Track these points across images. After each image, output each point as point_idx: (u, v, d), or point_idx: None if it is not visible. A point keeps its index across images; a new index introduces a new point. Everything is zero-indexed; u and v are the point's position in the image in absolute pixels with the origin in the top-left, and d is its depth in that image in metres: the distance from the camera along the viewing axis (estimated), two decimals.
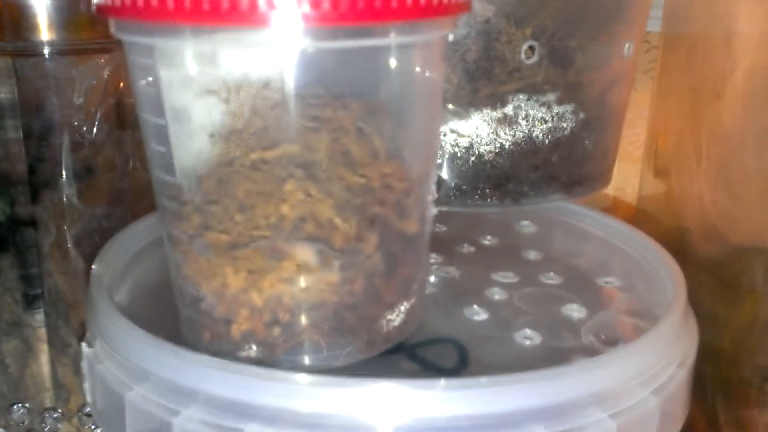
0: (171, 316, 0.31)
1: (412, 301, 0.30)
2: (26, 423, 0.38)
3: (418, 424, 0.23)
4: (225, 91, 0.28)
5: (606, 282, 0.37)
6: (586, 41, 0.38)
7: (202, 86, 0.27)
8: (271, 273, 0.27)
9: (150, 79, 0.27)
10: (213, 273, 0.28)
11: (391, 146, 0.29)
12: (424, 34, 0.27)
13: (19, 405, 0.38)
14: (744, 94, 0.41)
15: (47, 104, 0.35)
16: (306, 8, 0.23)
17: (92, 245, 0.37)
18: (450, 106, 0.38)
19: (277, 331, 0.28)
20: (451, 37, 0.37)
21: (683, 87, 0.50)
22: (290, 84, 0.27)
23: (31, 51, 0.34)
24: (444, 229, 0.42)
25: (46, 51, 0.34)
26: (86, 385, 0.30)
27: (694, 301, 0.33)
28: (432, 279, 0.37)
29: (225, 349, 0.28)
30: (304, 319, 0.28)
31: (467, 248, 0.41)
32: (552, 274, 0.37)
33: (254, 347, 0.28)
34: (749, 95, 0.41)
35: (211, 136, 0.29)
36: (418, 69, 0.29)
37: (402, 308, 0.30)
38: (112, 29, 0.27)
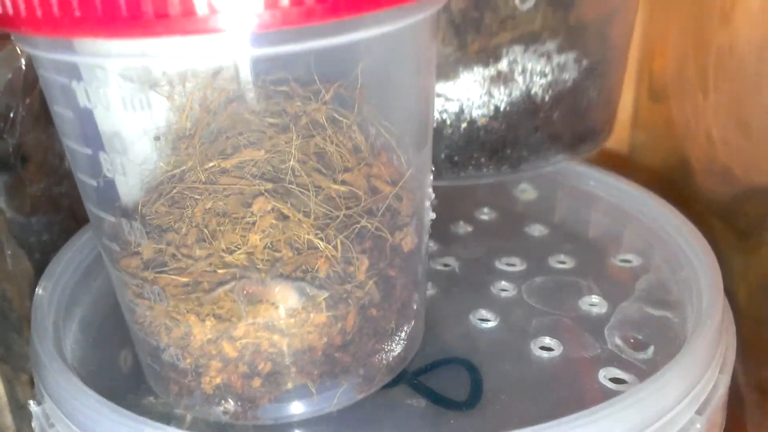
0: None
1: (413, 323, 0.26)
2: None
3: None
4: (167, 83, 0.23)
5: (623, 261, 0.33)
6: None
7: (137, 83, 0.22)
8: (245, 319, 0.22)
9: (68, 98, 0.22)
10: (173, 322, 0.23)
11: (374, 138, 0.24)
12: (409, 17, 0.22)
13: None
14: (759, 19, 0.36)
15: None
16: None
17: (34, 262, 0.32)
18: None
19: (257, 382, 0.23)
20: None
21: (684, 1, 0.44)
22: (246, 70, 0.22)
23: None
24: (435, 202, 0.37)
25: None
26: None
27: None
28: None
29: (198, 402, 0.24)
30: (288, 368, 0.23)
31: (464, 227, 0.36)
32: (562, 256, 0.33)
33: (231, 402, 0.24)
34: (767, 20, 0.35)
35: (156, 139, 0.24)
36: (405, 39, 0.24)
37: (402, 335, 0.25)
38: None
